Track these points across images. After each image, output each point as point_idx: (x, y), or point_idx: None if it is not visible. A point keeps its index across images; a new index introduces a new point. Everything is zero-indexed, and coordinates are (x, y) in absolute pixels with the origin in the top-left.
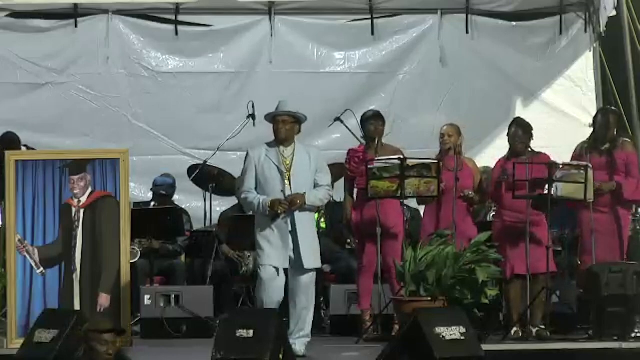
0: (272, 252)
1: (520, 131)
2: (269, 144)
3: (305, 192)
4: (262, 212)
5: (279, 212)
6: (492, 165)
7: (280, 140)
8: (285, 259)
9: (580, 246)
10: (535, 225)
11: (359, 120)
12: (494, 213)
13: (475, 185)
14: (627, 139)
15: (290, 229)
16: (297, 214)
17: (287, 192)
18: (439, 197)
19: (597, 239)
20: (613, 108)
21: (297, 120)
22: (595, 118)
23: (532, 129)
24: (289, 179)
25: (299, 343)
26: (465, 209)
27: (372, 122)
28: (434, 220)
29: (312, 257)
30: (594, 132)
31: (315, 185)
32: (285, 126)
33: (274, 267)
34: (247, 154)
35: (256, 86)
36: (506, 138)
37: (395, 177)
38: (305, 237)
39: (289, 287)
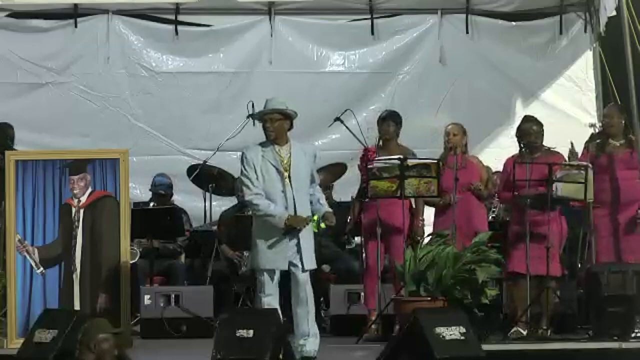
0: (268, 255)
1: (535, 126)
2: (263, 144)
3: (308, 216)
4: (277, 224)
5: (300, 228)
6: (492, 165)
7: (271, 138)
8: (276, 261)
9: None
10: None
11: (359, 120)
12: (493, 214)
13: (483, 181)
14: (632, 136)
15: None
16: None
17: (288, 193)
18: (440, 196)
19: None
20: (618, 103)
21: (286, 116)
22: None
23: (542, 125)
24: (289, 179)
25: (309, 344)
26: (477, 205)
27: (381, 123)
28: (448, 219)
29: (310, 259)
30: (604, 128)
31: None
32: (273, 124)
33: (267, 270)
34: (243, 156)
35: (256, 86)
36: (507, 138)
37: (395, 177)
38: (305, 239)
39: (292, 290)
